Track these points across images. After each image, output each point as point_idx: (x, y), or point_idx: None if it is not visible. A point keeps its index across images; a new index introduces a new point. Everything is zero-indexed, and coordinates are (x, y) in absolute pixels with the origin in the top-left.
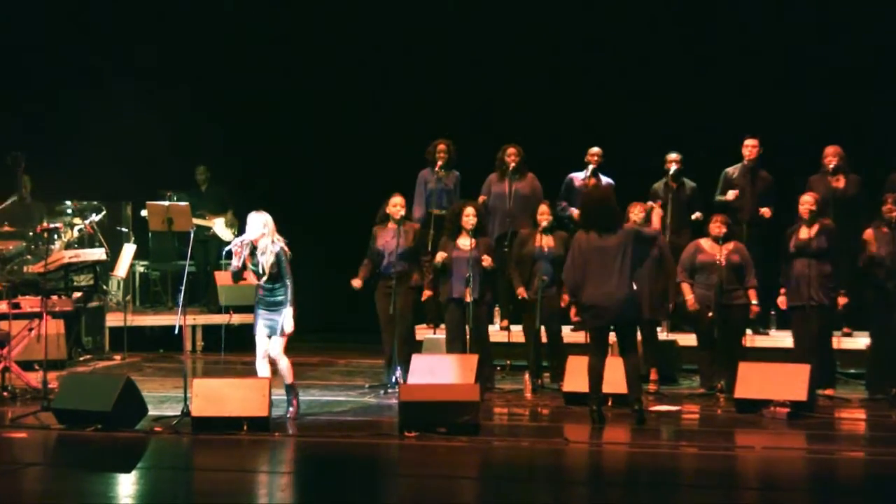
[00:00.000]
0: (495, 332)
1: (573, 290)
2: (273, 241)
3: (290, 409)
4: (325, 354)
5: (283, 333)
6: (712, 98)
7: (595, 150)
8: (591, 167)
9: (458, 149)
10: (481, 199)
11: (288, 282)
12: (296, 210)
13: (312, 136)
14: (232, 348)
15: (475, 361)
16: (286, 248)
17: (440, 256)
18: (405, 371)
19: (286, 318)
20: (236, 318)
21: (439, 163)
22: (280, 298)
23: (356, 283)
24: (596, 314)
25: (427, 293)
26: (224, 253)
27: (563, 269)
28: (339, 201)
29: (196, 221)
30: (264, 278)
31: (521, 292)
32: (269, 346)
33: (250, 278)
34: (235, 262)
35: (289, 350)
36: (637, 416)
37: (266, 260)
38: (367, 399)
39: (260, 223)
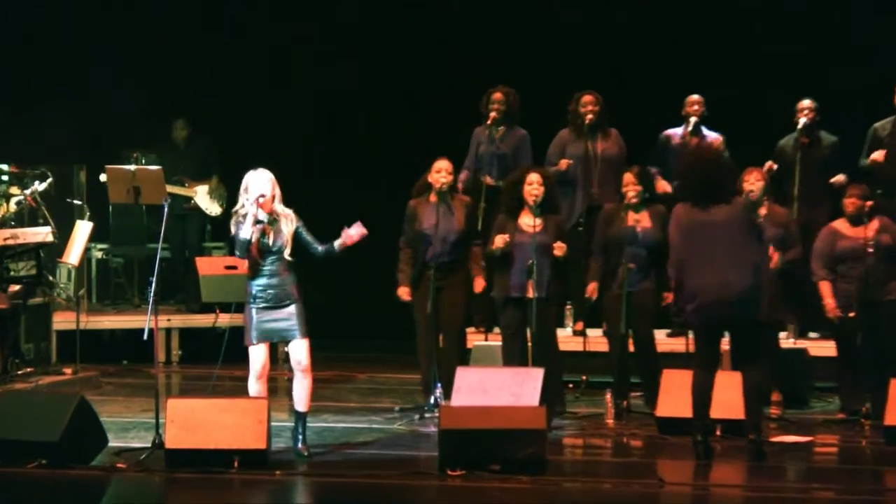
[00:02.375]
0: (567, 338)
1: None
2: (281, 205)
3: (300, 445)
4: (341, 367)
5: (346, 241)
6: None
7: (694, 97)
8: (692, 120)
9: (523, 99)
10: (564, 163)
11: (319, 246)
12: (304, 178)
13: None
14: (218, 358)
15: (540, 376)
16: (294, 214)
17: (499, 240)
18: (447, 389)
19: (354, 228)
20: (225, 320)
21: (492, 116)
22: (288, 286)
23: (404, 292)
24: (701, 312)
25: (480, 282)
26: (251, 218)
27: (659, 254)
28: (365, 168)
29: (171, 190)
30: (272, 261)
31: (591, 291)
32: (294, 353)
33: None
34: (248, 228)
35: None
36: (754, 450)
37: (286, 229)
38: (398, 426)
39: (269, 186)
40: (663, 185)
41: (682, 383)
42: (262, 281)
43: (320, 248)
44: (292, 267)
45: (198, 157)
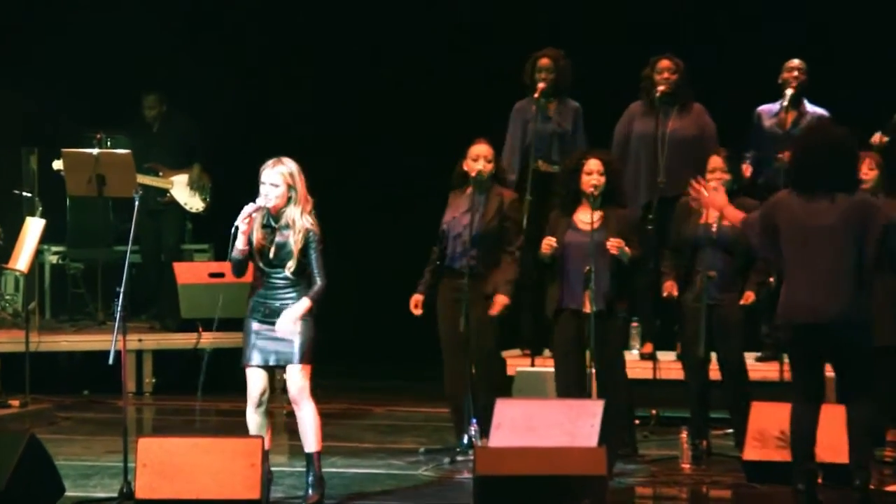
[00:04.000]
0: (633, 363)
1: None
2: (302, 213)
3: (311, 492)
4: (354, 399)
5: (290, 320)
6: None
7: (794, 62)
8: (788, 93)
9: (575, 65)
10: (547, 246)
11: (319, 280)
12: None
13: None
14: (202, 388)
15: (600, 410)
16: (316, 227)
17: (546, 245)
18: (485, 425)
19: (297, 307)
20: (208, 340)
21: (540, 87)
22: (293, 302)
23: (414, 301)
24: (798, 333)
25: (500, 300)
26: (234, 230)
27: (745, 258)
28: (388, 158)
29: (143, 180)
30: (280, 272)
31: (669, 287)
32: (289, 381)
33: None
34: (240, 243)
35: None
36: (861, 501)
37: (294, 240)
38: (423, 472)
39: (280, 178)
40: (745, 168)
41: (776, 419)
42: (262, 291)
43: (318, 281)
44: (303, 281)
45: (174, 140)
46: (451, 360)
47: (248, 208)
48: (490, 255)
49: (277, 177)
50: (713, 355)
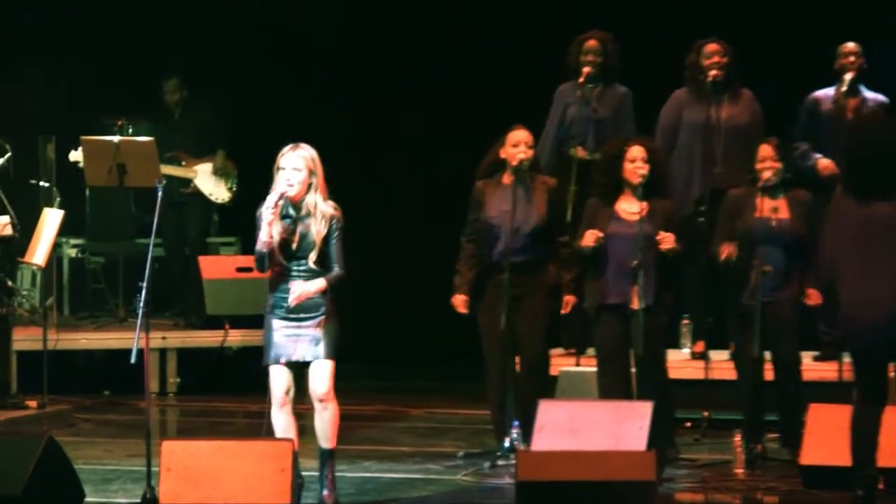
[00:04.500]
0: (684, 363)
1: (828, 286)
2: (324, 198)
3: (325, 492)
4: (389, 400)
5: (299, 297)
6: None
7: (850, 46)
8: (847, 77)
9: (623, 49)
10: (592, 236)
11: (337, 269)
12: (342, 159)
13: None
14: (229, 388)
15: (649, 412)
16: (339, 213)
17: (590, 237)
18: (527, 427)
19: (306, 285)
20: (236, 337)
21: (586, 71)
22: (318, 296)
23: (459, 301)
24: (863, 331)
25: (569, 300)
26: (263, 213)
27: (801, 253)
28: (418, 143)
29: (165, 171)
30: (303, 264)
31: (727, 249)
32: (311, 377)
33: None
34: (265, 235)
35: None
36: None
37: (315, 228)
38: (462, 477)
39: (302, 162)
40: (827, 165)
41: (835, 422)
42: (283, 286)
43: (337, 269)
44: (325, 273)
45: (196, 127)
46: (493, 362)
47: (273, 196)
48: (545, 247)
49: (299, 160)
50: (766, 354)
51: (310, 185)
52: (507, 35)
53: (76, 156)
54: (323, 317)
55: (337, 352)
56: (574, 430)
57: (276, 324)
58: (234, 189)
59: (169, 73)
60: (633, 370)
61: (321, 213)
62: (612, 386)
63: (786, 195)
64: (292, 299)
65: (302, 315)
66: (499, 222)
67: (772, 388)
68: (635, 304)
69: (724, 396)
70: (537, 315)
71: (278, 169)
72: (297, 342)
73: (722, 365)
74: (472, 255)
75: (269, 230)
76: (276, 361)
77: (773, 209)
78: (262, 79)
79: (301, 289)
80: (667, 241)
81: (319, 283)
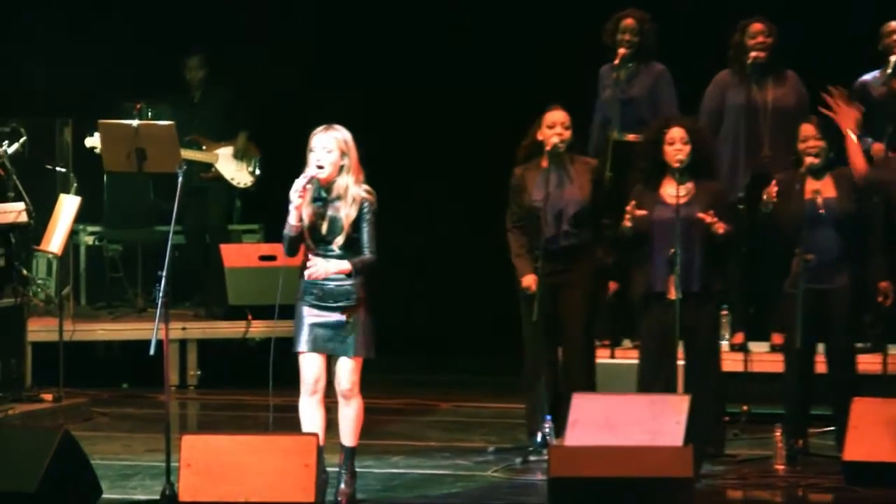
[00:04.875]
0: (724, 354)
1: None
2: (356, 182)
3: (342, 486)
4: (417, 393)
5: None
6: None
7: (893, 25)
8: (893, 58)
9: (660, 28)
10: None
11: (368, 254)
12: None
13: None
14: (251, 381)
15: (686, 406)
16: (372, 197)
17: (631, 212)
18: (559, 421)
19: (328, 264)
20: (259, 328)
21: (621, 52)
22: (350, 284)
23: (531, 280)
24: None
25: (612, 285)
26: (291, 196)
27: (853, 234)
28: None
29: (186, 155)
30: (333, 249)
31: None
32: (338, 372)
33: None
34: (293, 219)
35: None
36: None
37: (345, 212)
38: (492, 473)
39: (334, 143)
40: (880, 149)
41: (880, 416)
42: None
43: (367, 254)
44: (359, 254)
45: (217, 110)
46: (532, 352)
47: (302, 179)
48: (586, 232)
49: (331, 141)
50: (814, 346)
51: (341, 168)
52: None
53: (93, 142)
54: (352, 305)
55: (367, 349)
56: (608, 425)
57: (306, 311)
58: (257, 173)
59: (190, 52)
60: (681, 362)
61: (352, 196)
62: (655, 378)
63: (833, 174)
64: (306, 273)
65: (330, 303)
66: (545, 207)
67: (821, 381)
68: (672, 294)
69: (763, 390)
70: (580, 303)
71: (310, 150)
72: (326, 333)
73: (762, 357)
74: (523, 242)
75: (298, 213)
76: (304, 349)
77: (817, 191)
78: (286, 57)
79: (320, 266)
80: (717, 225)
81: (342, 265)
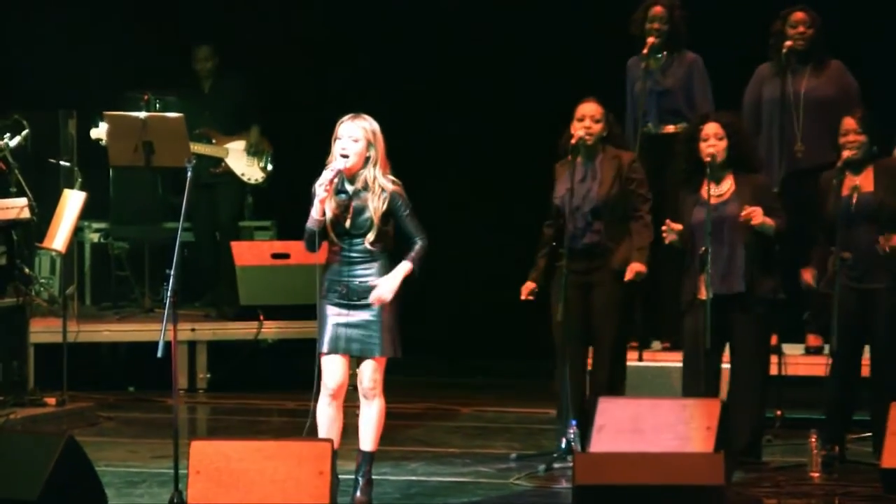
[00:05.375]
0: None
1: None
2: (384, 174)
3: (357, 494)
4: (437, 397)
5: (379, 300)
6: None
7: None
8: None
9: (697, 17)
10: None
11: (419, 241)
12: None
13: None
14: (263, 384)
15: (717, 410)
16: (401, 189)
17: (670, 232)
18: (585, 426)
19: (392, 278)
20: (271, 329)
21: (649, 41)
22: (375, 280)
23: (525, 288)
24: None
25: (635, 267)
26: (316, 189)
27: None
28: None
29: (195, 149)
30: (358, 243)
31: (807, 276)
32: (361, 371)
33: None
34: (316, 213)
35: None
36: None
37: (373, 205)
38: (515, 481)
39: (360, 134)
40: None
41: None
42: (337, 268)
43: (419, 241)
44: (384, 255)
45: (228, 102)
46: (562, 353)
47: (329, 172)
48: (615, 227)
49: (358, 130)
50: (856, 348)
51: (367, 159)
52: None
53: (98, 133)
54: (378, 306)
55: (394, 348)
56: (636, 430)
57: (330, 310)
58: (269, 169)
59: (200, 41)
60: (727, 366)
61: (380, 187)
62: (697, 382)
63: (873, 167)
64: (373, 299)
65: (355, 301)
66: (563, 203)
67: (866, 385)
68: (703, 294)
69: (798, 394)
70: (608, 304)
71: (335, 139)
72: (350, 332)
73: (797, 360)
74: (546, 243)
75: (321, 207)
76: (327, 349)
77: (855, 186)
78: (300, 48)
79: (386, 286)
80: (755, 215)
81: (403, 269)
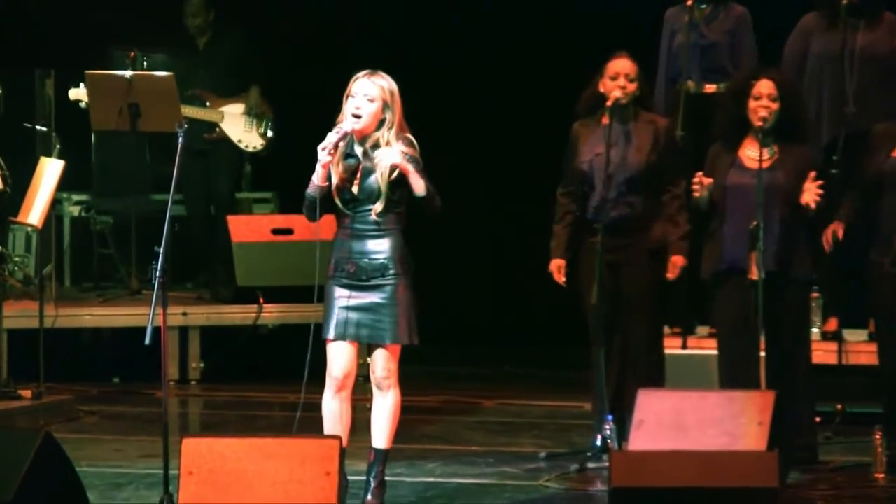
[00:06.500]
0: (815, 343)
1: None
2: (398, 136)
3: (369, 497)
4: (457, 389)
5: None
6: None
7: None
8: None
9: None
10: (705, 182)
11: (438, 199)
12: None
13: None
14: (263, 375)
15: (770, 403)
16: (415, 151)
17: (701, 186)
18: (623, 421)
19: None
20: (272, 313)
21: None
22: (386, 258)
23: (556, 267)
24: None
25: (677, 261)
26: (319, 153)
27: None
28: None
29: (187, 112)
30: (367, 213)
31: (833, 227)
32: (373, 359)
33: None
34: (317, 178)
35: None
36: None
37: (381, 170)
38: (544, 482)
39: (377, 93)
40: None
41: None
42: (345, 244)
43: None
44: (395, 232)
45: (225, 61)
46: (598, 339)
47: (334, 135)
48: (650, 200)
49: (375, 89)
50: None
51: (382, 121)
52: None
53: (78, 93)
54: (391, 283)
55: (409, 334)
56: (680, 426)
57: (338, 292)
58: (269, 135)
59: None
60: (762, 353)
61: (394, 151)
62: (736, 371)
63: None
64: (392, 158)
65: (363, 280)
66: (591, 169)
67: None
68: (754, 274)
69: (861, 385)
70: (641, 284)
71: (348, 97)
72: (359, 317)
73: (859, 347)
74: (567, 212)
75: (324, 173)
76: (333, 336)
77: None
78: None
79: (394, 157)
80: (809, 193)
81: (408, 167)
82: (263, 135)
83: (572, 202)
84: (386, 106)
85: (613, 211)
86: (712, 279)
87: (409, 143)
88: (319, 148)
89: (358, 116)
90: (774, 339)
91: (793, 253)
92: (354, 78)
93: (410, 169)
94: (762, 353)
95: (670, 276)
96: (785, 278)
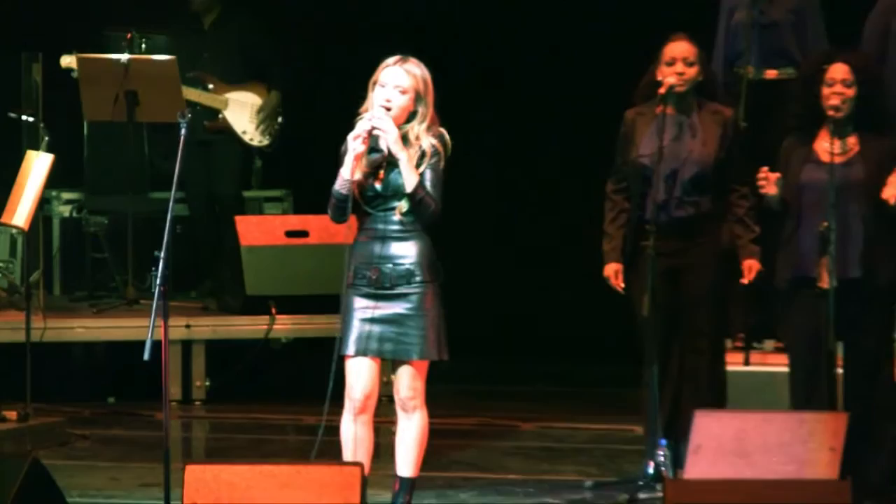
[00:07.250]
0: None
1: None
2: (430, 128)
3: None
4: (492, 410)
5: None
6: None
7: None
8: None
9: None
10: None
11: (432, 203)
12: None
13: None
14: (275, 394)
15: (843, 425)
16: (442, 147)
17: (770, 184)
18: (678, 446)
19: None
20: (285, 325)
21: None
22: (413, 264)
23: (612, 271)
24: None
25: (751, 265)
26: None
27: None
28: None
29: (188, 95)
30: (391, 213)
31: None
32: (401, 378)
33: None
34: (346, 172)
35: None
36: None
37: (404, 165)
38: None
39: (409, 83)
40: None
41: None
42: (367, 248)
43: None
44: (422, 235)
45: (233, 44)
46: (650, 354)
47: (366, 123)
48: (715, 199)
49: (407, 79)
50: None
51: (413, 114)
52: None
53: (71, 61)
54: (418, 291)
55: (438, 349)
56: (741, 452)
57: (358, 303)
58: (277, 130)
59: None
60: (839, 369)
61: (421, 145)
62: (810, 389)
63: None
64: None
65: (387, 288)
66: (652, 162)
67: None
68: (825, 282)
69: None
70: (702, 293)
71: (375, 84)
72: (382, 330)
73: None
74: (621, 210)
75: (355, 165)
76: (352, 352)
77: None
78: None
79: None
80: (891, 187)
81: (404, 156)
82: (270, 134)
83: (625, 199)
84: (418, 97)
85: (676, 211)
86: (787, 289)
87: (441, 139)
88: (350, 137)
89: (388, 109)
90: (854, 353)
91: (876, 256)
92: (383, 64)
93: (403, 158)
94: (839, 370)
95: (744, 280)
96: (867, 284)
